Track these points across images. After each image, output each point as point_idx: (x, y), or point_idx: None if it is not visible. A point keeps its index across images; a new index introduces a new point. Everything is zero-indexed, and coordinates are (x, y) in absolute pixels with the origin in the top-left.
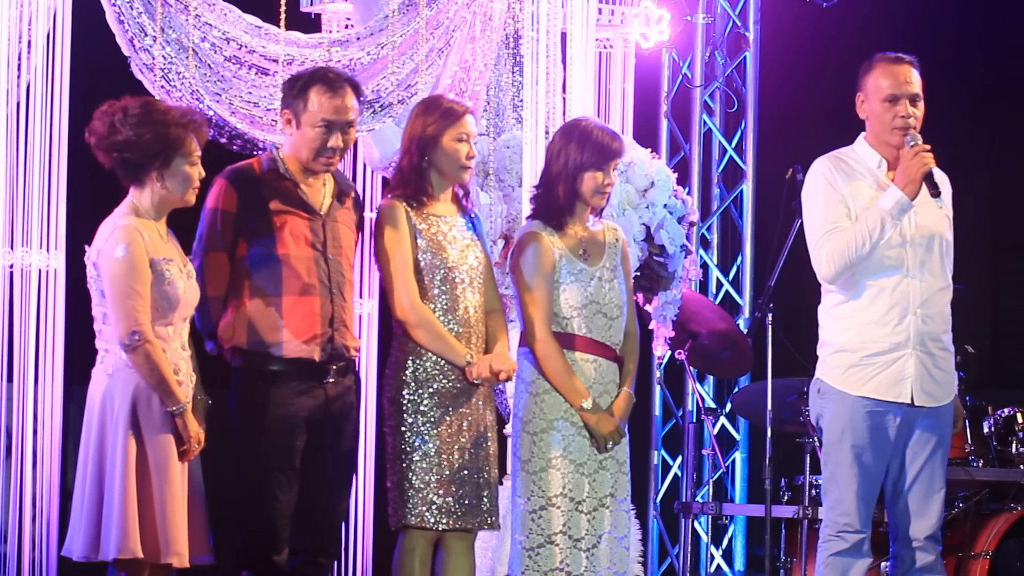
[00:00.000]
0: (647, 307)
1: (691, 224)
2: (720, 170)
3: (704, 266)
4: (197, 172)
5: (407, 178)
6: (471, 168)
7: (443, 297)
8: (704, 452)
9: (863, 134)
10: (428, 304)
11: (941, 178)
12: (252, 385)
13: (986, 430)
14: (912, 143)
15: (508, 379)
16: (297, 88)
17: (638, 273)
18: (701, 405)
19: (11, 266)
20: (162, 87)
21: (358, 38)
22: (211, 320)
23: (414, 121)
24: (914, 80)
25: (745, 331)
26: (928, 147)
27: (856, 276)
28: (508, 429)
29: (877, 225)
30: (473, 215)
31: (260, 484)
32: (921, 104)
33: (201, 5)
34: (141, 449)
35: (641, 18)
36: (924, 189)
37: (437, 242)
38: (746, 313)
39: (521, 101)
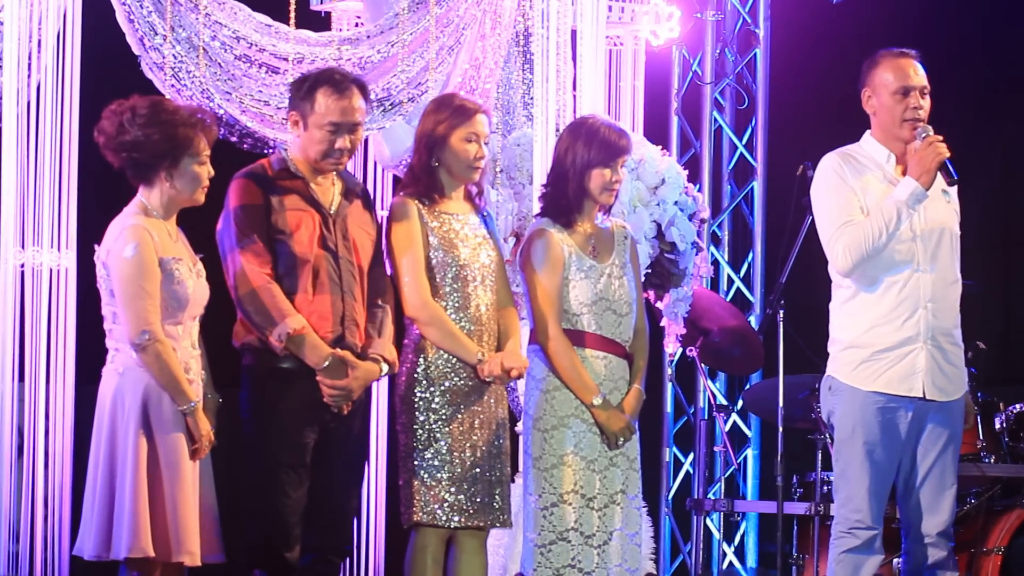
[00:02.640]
0: (658, 304)
1: (702, 221)
2: (731, 167)
3: (715, 263)
4: (206, 171)
5: (418, 176)
6: (480, 168)
7: (455, 295)
8: (716, 449)
9: (869, 131)
10: (440, 302)
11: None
12: (263, 383)
13: (998, 426)
14: (924, 134)
15: (519, 377)
16: (304, 90)
17: (649, 270)
18: (713, 402)
19: (22, 265)
20: (172, 86)
21: (368, 36)
22: (279, 307)
23: (425, 119)
24: (921, 73)
25: (756, 328)
26: (941, 137)
27: (867, 271)
28: (520, 426)
29: (893, 216)
30: (486, 213)
31: (271, 481)
32: (928, 97)
33: (211, 4)
34: (152, 448)
35: (651, 15)
36: (935, 183)
37: (449, 240)
38: (757, 310)
39: (531, 99)
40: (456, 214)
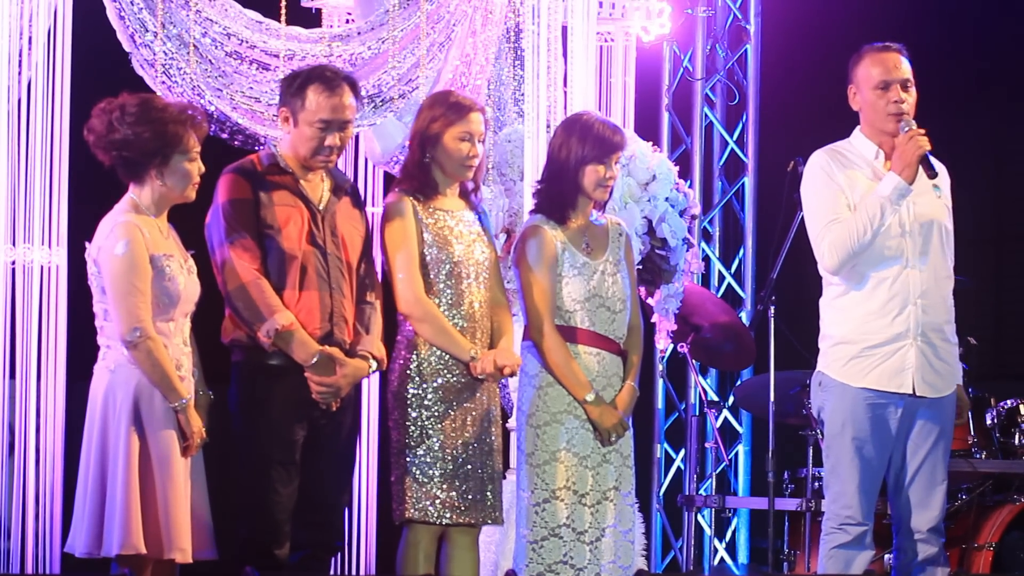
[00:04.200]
0: (649, 300)
1: (693, 217)
2: (722, 163)
3: (706, 259)
4: (197, 168)
5: (412, 173)
6: (473, 167)
7: (448, 292)
8: (707, 445)
9: (859, 127)
10: (433, 299)
11: (940, 168)
12: (252, 379)
13: (989, 422)
14: (906, 128)
15: (512, 374)
16: (295, 87)
17: (640, 266)
18: (704, 398)
19: (13, 262)
20: (163, 83)
21: (359, 33)
22: (267, 302)
23: (420, 115)
24: (903, 66)
25: (747, 324)
26: (923, 131)
27: (856, 267)
28: (512, 423)
29: (877, 212)
30: (481, 210)
31: (261, 478)
32: (912, 90)
33: (202, 0)
34: (143, 445)
35: (642, 11)
36: (924, 177)
37: (443, 237)
38: (748, 306)
39: (522, 95)
40: (451, 211)
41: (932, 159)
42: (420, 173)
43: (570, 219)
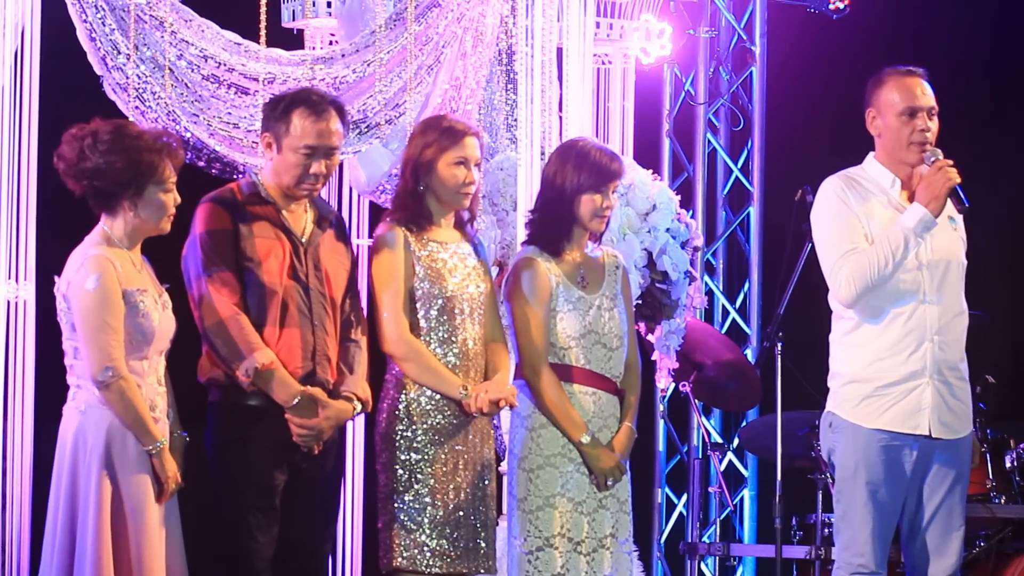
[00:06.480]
0: (649, 337)
1: (695, 249)
2: (726, 192)
3: (709, 293)
4: (172, 199)
5: (405, 202)
6: (470, 194)
7: (441, 328)
8: (711, 490)
9: (873, 153)
10: (425, 336)
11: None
12: (230, 420)
13: (1008, 465)
14: (933, 158)
15: (509, 405)
16: (279, 111)
17: (640, 301)
18: (707, 440)
19: None
20: (136, 108)
21: (343, 55)
22: (247, 339)
23: (412, 141)
24: (929, 92)
25: (753, 362)
26: (951, 162)
27: (871, 301)
28: (504, 466)
29: (900, 243)
30: (478, 241)
31: (238, 524)
32: (936, 118)
33: (177, 21)
34: (116, 490)
35: (641, 32)
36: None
37: (436, 270)
38: (754, 343)
39: (515, 120)
40: (445, 242)
41: (961, 191)
42: (413, 203)
43: (565, 251)
